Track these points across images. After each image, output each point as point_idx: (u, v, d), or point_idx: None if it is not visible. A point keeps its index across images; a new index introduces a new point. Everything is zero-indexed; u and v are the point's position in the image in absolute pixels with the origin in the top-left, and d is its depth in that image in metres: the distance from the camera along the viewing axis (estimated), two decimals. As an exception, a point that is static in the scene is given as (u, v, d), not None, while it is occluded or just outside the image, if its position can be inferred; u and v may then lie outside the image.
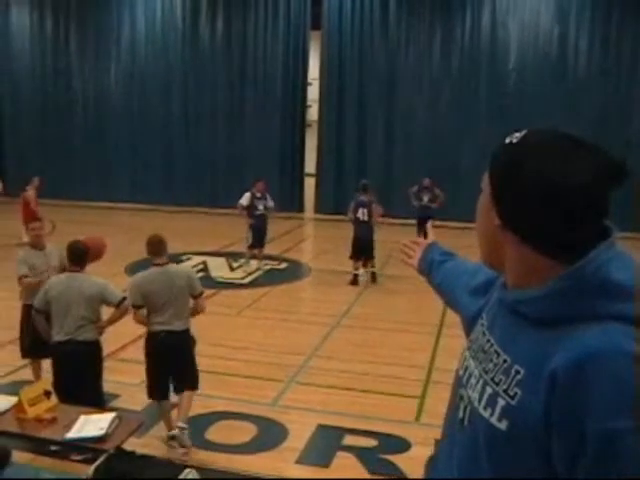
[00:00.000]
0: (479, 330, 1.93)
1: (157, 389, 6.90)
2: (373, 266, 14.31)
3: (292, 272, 15.31)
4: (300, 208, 25.65)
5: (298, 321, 11.51)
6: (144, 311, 6.77)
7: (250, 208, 14.80)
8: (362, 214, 13.84)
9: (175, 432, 6.72)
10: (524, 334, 1.69)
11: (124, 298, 6.66)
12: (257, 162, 24.91)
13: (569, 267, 1.63)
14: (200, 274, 13.81)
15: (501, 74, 23.44)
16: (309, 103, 26.90)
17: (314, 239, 21.43)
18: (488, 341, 1.82)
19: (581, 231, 1.62)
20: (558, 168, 1.59)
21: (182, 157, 26.20)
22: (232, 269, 15.38)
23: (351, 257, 14.12)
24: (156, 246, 6.76)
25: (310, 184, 26.04)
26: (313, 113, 28.73)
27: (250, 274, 14.86)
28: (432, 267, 2.73)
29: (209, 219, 23.71)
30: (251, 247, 15.14)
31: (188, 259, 15.94)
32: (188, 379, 6.95)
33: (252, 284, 14.02)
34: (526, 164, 1.64)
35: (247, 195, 14.93)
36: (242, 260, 15.69)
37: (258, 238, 14.98)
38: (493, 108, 23.22)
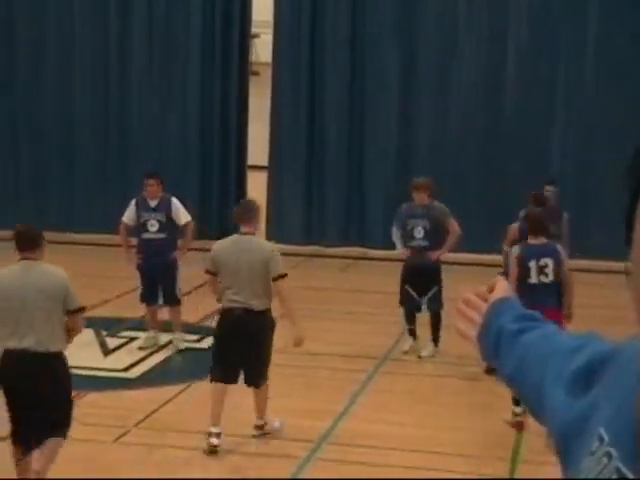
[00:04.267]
0: (597, 460, 1.30)
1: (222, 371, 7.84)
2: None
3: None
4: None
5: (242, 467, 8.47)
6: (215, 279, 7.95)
7: (136, 230, 11.52)
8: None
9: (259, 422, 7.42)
10: None
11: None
12: (151, 149, 18.87)
13: None
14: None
15: None
16: (254, 30, 20.79)
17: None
18: None
19: None
20: None
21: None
22: (107, 351, 11.72)
23: None
24: (240, 212, 7.78)
25: (257, 185, 19.66)
26: (262, 49, 24.39)
27: (142, 359, 11.36)
28: (499, 344, 1.87)
29: (60, 251, 18.72)
30: (144, 302, 11.78)
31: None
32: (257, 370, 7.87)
33: (142, 380, 10.88)
34: None
35: (131, 206, 11.41)
36: (147, 334, 12.42)
37: (151, 286, 11.28)
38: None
